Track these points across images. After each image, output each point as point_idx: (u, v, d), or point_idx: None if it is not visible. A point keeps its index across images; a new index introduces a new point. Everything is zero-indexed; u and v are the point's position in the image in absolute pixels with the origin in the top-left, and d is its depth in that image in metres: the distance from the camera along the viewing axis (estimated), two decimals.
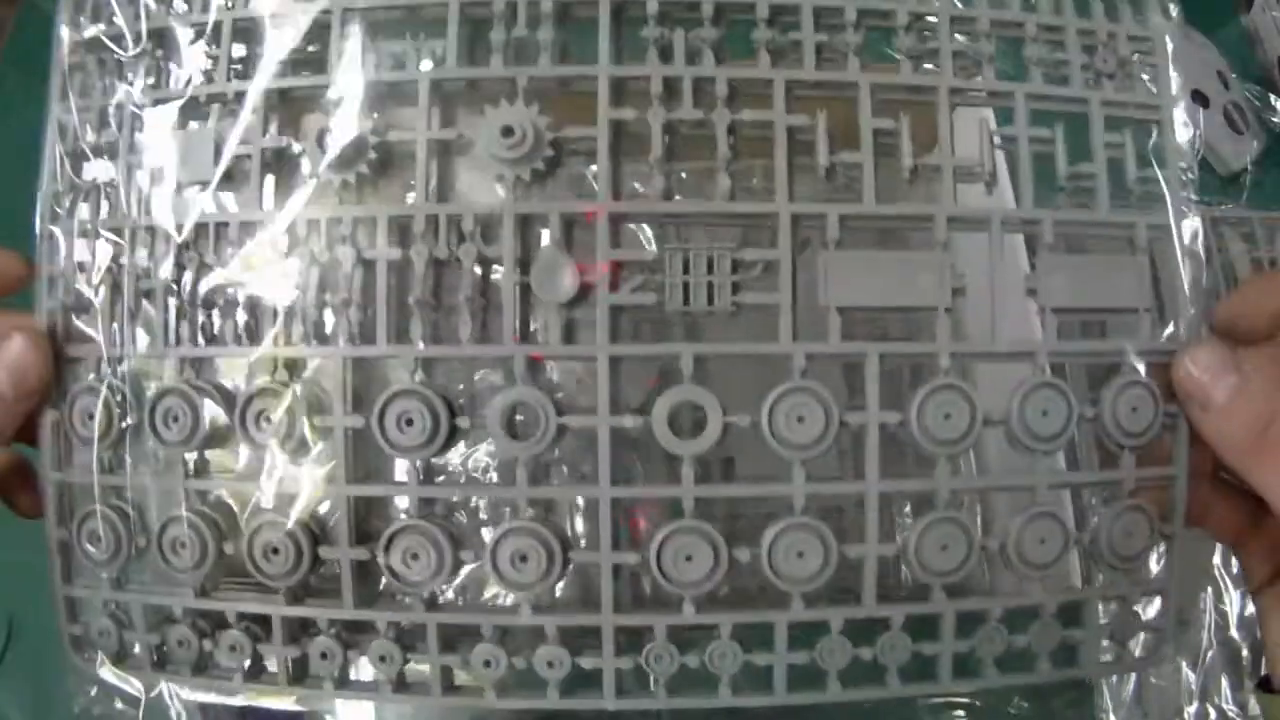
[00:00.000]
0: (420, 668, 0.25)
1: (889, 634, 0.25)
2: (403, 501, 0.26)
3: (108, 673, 0.27)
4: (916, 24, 0.25)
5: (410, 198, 0.25)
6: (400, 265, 0.25)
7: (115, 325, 0.26)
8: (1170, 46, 0.25)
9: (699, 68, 0.25)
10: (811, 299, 0.24)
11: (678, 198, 0.25)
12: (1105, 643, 0.25)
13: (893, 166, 0.25)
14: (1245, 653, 0.39)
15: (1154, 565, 0.25)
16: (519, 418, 0.25)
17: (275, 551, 0.25)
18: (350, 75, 0.25)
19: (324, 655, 0.26)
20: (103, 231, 0.26)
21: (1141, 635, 0.26)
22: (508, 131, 0.24)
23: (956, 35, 0.25)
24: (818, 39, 0.25)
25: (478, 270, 0.25)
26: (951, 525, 0.24)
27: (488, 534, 0.25)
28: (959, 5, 0.25)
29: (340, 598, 0.25)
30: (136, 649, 0.27)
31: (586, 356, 0.24)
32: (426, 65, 0.26)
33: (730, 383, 0.25)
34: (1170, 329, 0.25)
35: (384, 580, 0.26)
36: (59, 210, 0.27)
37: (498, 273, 0.25)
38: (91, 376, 0.26)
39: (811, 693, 0.25)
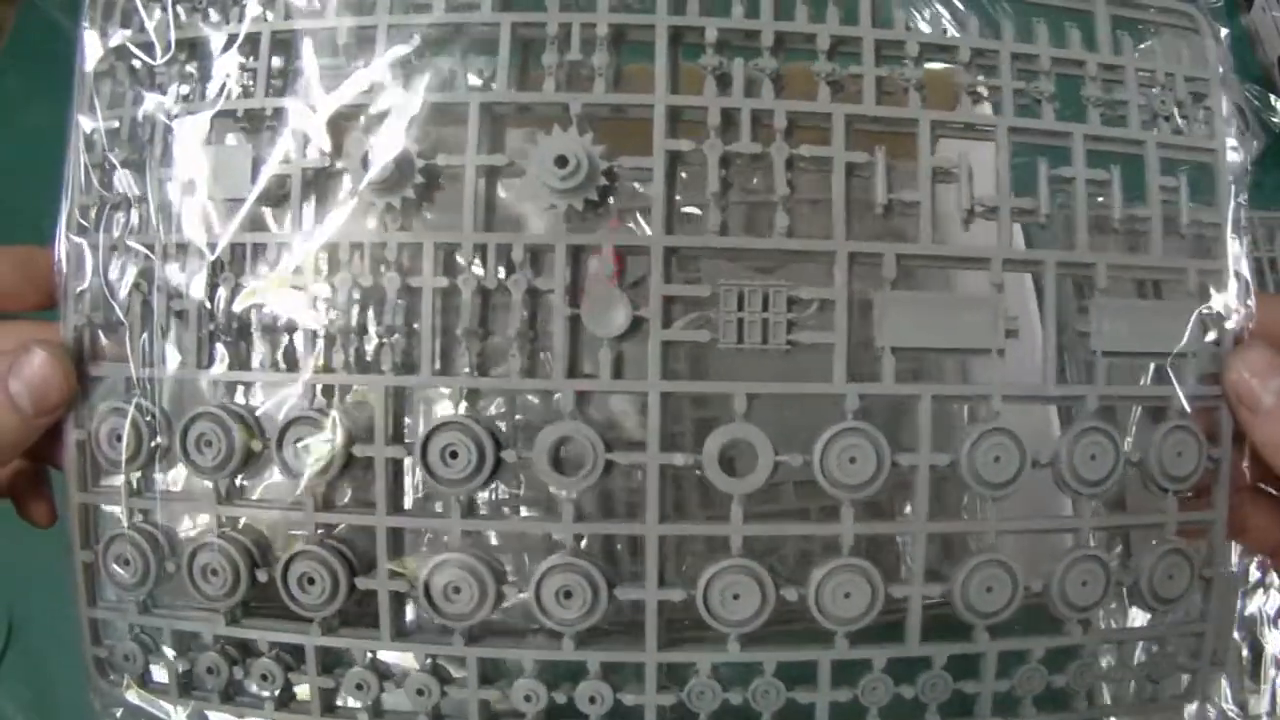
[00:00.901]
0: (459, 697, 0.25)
1: (930, 673, 0.25)
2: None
3: (134, 696, 0.27)
4: (978, 59, 0.25)
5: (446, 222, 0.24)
6: (446, 293, 0.24)
7: (145, 344, 0.26)
8: (1226, 102, 0.25)
9: (758, 100, 0.24)
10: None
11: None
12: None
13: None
14: (1245, 652, 0.40)
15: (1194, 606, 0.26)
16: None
17: (311, 581, 0.25)
18: (396, 94, 0.24)
19: (359, 686, 0.25)
20: (133, 245, 0.25)
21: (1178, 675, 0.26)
22: (562, 161, 0.23)
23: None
24: (877, 73, 0.24)
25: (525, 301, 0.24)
26: (998, 568, 0.24)
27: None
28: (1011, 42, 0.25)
29: (375, 628, 0.25)
30: (163, 674, 0.26)
31: (638, 392, 0.24)
32: (473, 83, 0.25)
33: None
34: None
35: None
36: (84, 223, 0.26)
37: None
38: (119, 396, 0.26)
39: None
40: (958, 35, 0.25)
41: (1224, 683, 0.38)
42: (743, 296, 0.24)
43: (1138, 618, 0.27)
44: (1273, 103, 0.28)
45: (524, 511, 0.33)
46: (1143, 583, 0.25)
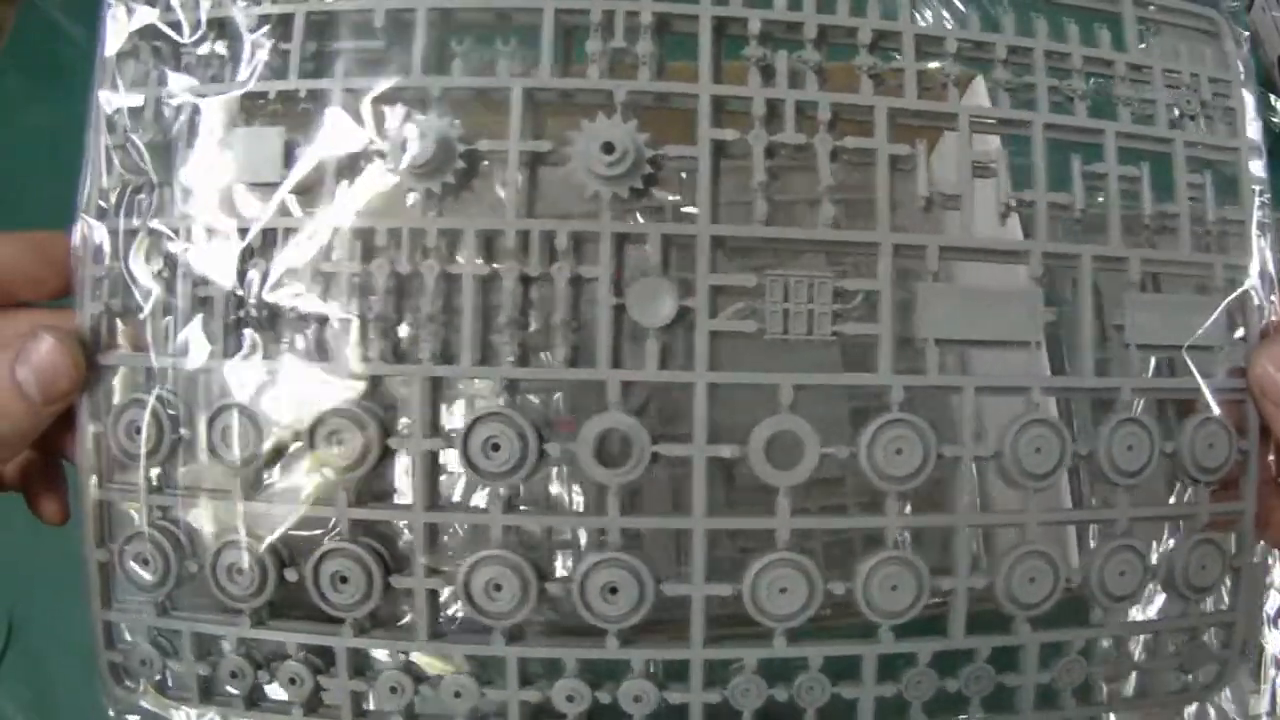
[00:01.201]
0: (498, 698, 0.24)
1: (973, 666, 0.25)
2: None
3: (150, 702, 0.26)
4: (1013, 57, 0.25)
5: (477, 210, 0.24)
6: (485, 281, 0.24)
7: (167, 333, 0.25)
8: (1250, 99, 0.26)
9: (802, 91, 0.24)
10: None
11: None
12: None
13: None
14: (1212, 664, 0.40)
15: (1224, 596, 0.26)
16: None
17: (344, 580, 0.24)
18: (436, 78, 0.24)
19: (393, 689, 0.24)
20: (157, 229, 0.24)
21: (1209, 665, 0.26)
22: (609, 148, 0.23)
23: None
24: (918, 67, 0.25)
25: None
26: (1040, 559, 0.24)
27: None
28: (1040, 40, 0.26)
29: (408, 628, 0.24)
30: (183, 678, 0.25)
31: (684, 383, 0.24)
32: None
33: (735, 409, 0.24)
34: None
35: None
36: (104, 206, 0.25)
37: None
38: (138, 387, 0.25)
39: None
40: (995, 34, 0.25)
41: None
42: (788, 287, 0.24)
43: (1157, 608, 0.27)
44: (1273, 103, 0.28)
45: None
46: (1176, 573, 0.25)
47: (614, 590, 0.24)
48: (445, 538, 0.29)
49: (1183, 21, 0.26)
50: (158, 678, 0.25)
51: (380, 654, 0.25)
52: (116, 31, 0.25)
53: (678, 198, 0.26)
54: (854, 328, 0.24)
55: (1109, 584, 0.25)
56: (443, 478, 0.32)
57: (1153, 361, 0.26)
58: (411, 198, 0.24)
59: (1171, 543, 0.25)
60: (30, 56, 0.49)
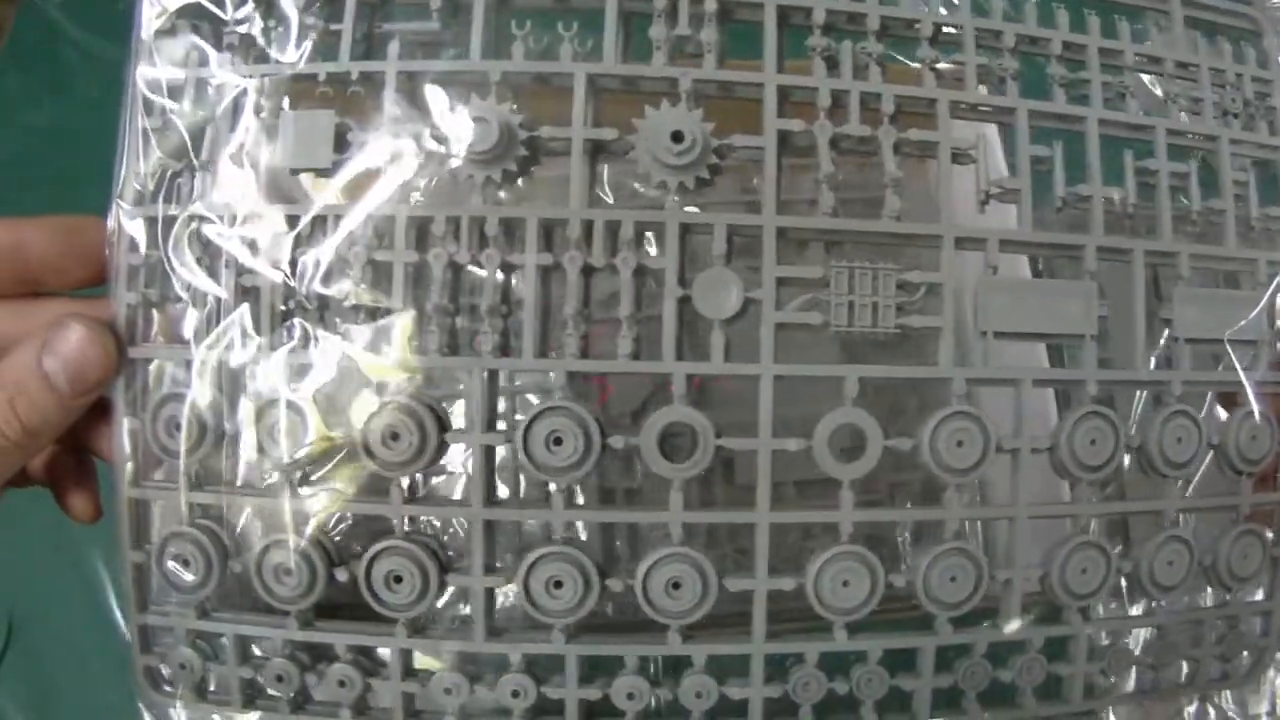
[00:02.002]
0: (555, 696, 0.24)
1: (1026, 656, 0.25)
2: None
3: (188, 707, 0.25)
4: (1068, 52, 0.25)
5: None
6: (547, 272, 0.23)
7: (208, 324, 0.24)
8: None
9: (867, 83, 0.24)
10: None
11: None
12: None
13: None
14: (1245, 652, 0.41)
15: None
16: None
17: (399, 580, 0.23)
18: (497, 62, 0.23)
19: (448, 690, 0.24)
20: (200, 214, 0.23)
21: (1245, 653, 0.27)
22: (678, 136, 0.23)
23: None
24: (979, 60, 0.25)
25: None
26: (1094, 550, 0.25)
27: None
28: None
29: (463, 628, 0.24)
30: (225, 682, 0.24)
31: (750, 375, 0.23)
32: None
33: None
34: None
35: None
36: (141, 191, 0.24)
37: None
38: (176, 381, 0.24)
39: (951, 715, 0.25)
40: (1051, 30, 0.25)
41: None
42: (853, 279, 0.24)
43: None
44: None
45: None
46: (1220, 563, 0.26)
47: (677, 585, 0.23)
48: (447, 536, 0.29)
49: (1226, 20, 0.27)
50: (198, 682, 0.24)
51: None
52: (154, 9, 0.24)
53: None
54: (917, 319, 0.24)
55: (1158, 574, 0.25)
56: (440, 479, 0.32)
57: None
58: (472, 185, 0.23)
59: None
60: (30, 56, 0.49)
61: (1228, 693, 0.39)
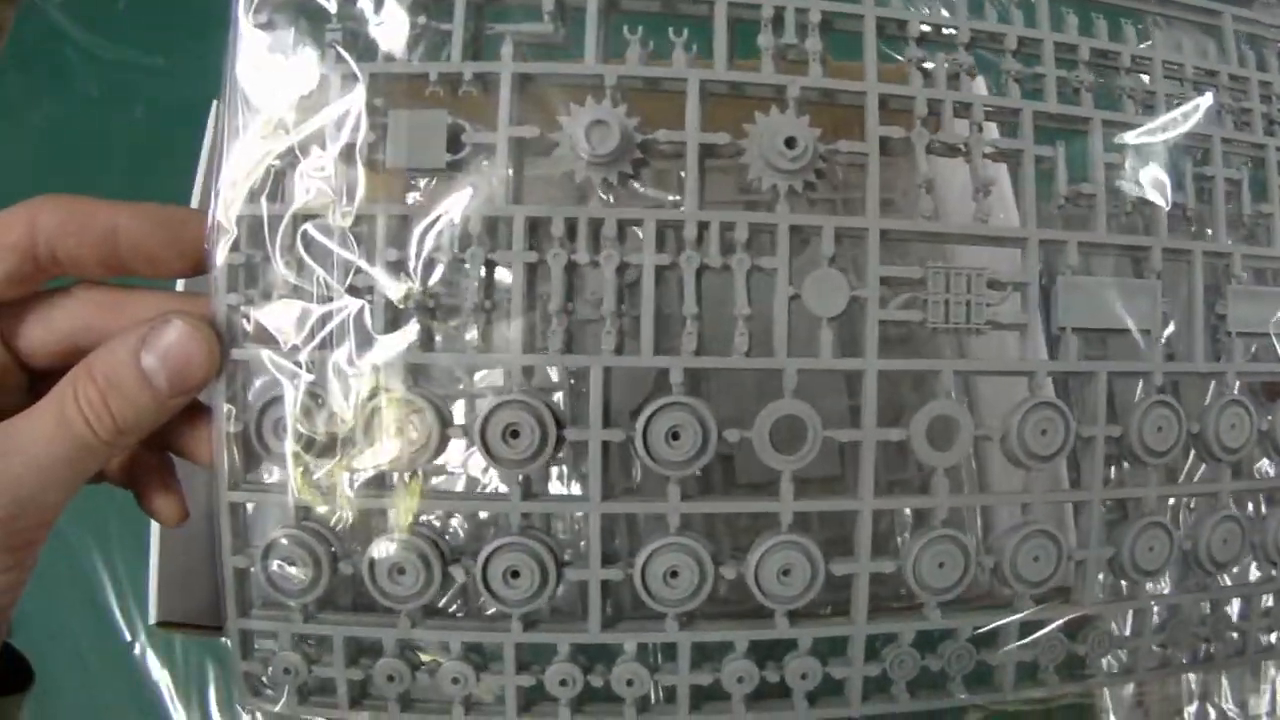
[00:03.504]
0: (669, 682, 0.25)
1: (1098, 630, 0.27)
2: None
3: (287, 710, 0.24)
4: (1136, 67, 0.27)
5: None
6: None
7: (319, 323, 0.23)
8: None
9: (959, 93, 0.25)
10: None
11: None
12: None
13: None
14: None
15: None
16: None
17: (516, 575, 0.24)
18: (612, 66, 0.24)
19: (563, 682, 0.24)
20: (309, 211, 0.23)
21: None
22: (791, 142, 0.24)
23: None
24: (1058, 74, 0.26)
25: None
26: (1159, 529, 0.27)
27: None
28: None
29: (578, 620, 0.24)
30: (330, 684, 0.24)
31: (855, 369, 0.24)
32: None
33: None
34: None
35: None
36: (243, 186, 0.23)
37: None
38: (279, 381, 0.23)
39: (1031, 687, 0.27)
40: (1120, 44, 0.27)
41: (1224, 681, 0.40)
42: (949, 279, 0.25)
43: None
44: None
45: None
46: (1269, 541, 0.28)
47: (787, 572, 0.24)
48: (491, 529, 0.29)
49: (1273, 35, 0.29)
50: (302, 685, 0.24)
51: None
52: (252, 2, 0.23)
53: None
54: (1006, 316, 0.25)
55: (1215, 551, 0.27)
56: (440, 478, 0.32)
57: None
58: (589, 186, 0.24)
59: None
60: (30, 56, 0.48)
61: (1228, 693, 0.41)
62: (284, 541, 0.24)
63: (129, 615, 0.49)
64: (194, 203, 0.33)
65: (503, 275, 0.24)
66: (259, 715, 0.26)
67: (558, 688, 0.24)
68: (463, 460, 0.36)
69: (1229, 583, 0.28)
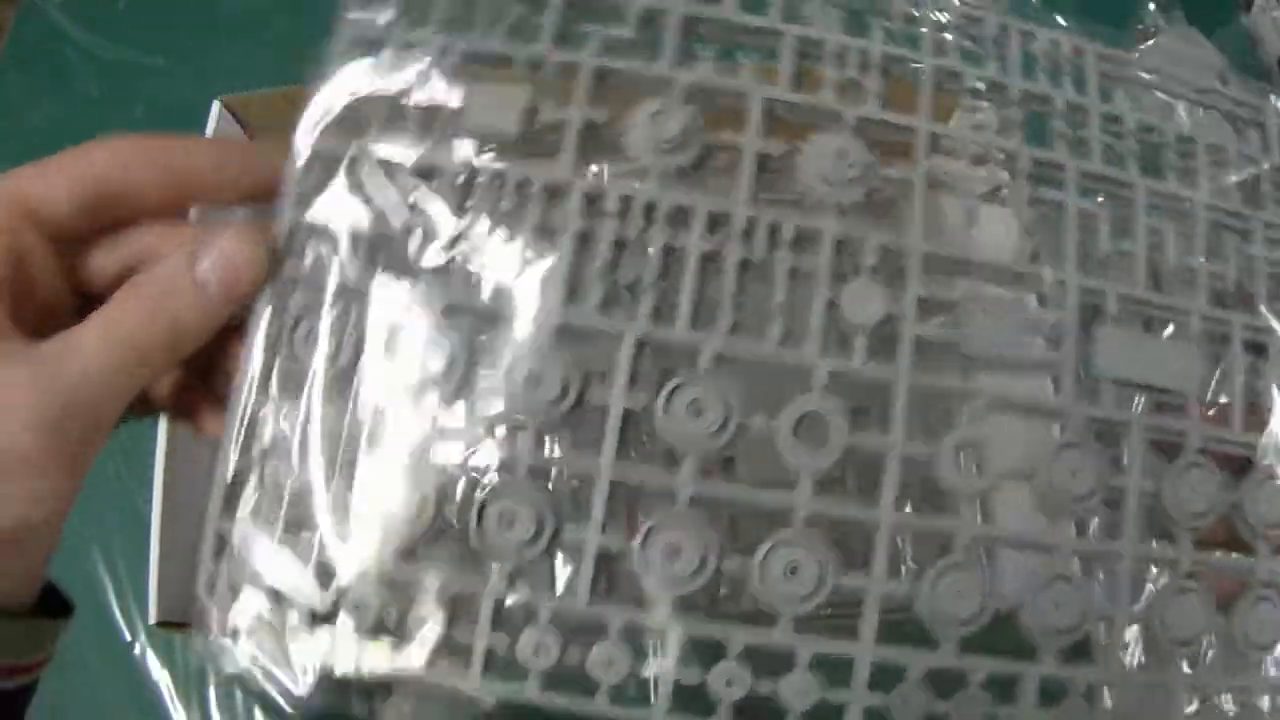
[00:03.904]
0: None
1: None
2: None
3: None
4: (1180, 144, 0.28)
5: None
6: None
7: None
8: None
9: (1007, 141, 0.27)
10: None
11: None
12: None
13: None
14: None
15: None
16: None
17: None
18: (683, 70, 0.26)
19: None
20: (375, 153, 0.25)
21: None
22: (842, 154, 0.25)
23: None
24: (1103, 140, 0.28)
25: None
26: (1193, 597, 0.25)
27: None
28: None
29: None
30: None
31: (885, 380, 0.25)
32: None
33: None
34: None
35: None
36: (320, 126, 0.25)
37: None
38: None
39: None
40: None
41: None
42: (985, 307, 0.25)
43: None
44: (1274, 102, 0.32)
45: None
46: None
47: (794, 570, 0.23)
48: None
49: None
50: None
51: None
52: None
53: None
54: (1039, 353, 0.25)
55: (1251, 632, 0.26)
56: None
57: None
58: (651, 171, 0.25)
59: None
60: (30, 56, 0.49)
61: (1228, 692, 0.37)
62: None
63: (129, 615, 0.48)
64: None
65: None
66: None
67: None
68: None
69: (1273, 672, 0.26)
